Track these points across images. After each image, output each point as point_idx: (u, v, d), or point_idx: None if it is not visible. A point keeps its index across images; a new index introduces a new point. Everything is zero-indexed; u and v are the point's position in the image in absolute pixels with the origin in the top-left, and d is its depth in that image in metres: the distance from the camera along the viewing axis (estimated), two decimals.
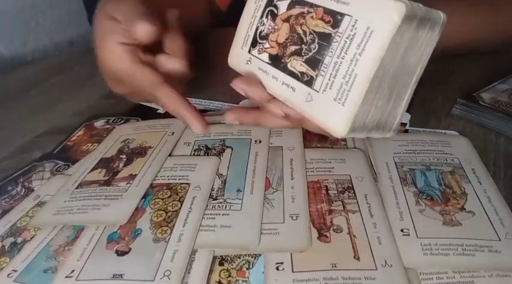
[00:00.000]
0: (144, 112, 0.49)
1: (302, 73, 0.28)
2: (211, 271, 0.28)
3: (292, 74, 0.29)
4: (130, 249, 0.30)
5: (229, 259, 0.29)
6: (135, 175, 0.37)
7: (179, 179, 0.36)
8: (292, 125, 0.33)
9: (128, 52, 0.36)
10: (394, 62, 0.25)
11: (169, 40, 0.38)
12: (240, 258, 0.29)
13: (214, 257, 0.29)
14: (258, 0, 0.32)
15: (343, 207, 0.32)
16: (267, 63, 0.31)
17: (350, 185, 0.34)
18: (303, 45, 0.28)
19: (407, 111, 0.44)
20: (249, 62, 0.32)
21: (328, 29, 0.27)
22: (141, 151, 0.40)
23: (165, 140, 0.41)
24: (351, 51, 0.25)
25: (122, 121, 0.47)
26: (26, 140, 0.45)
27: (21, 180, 0.39)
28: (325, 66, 0.27)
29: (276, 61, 0.30)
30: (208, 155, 0.39)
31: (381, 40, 0.24)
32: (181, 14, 0.54)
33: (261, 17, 0.32)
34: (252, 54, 0.32)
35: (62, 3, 0.75)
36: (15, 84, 0.60)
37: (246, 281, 0.27)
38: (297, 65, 0.28)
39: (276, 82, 0.30)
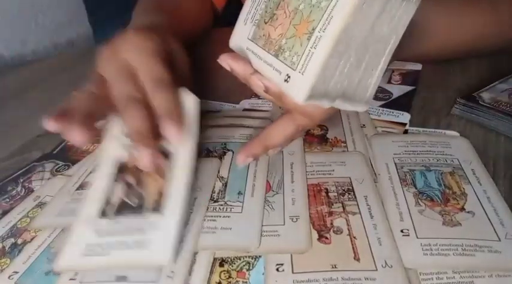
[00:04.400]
0: None
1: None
2: (211, 272, 0.28)
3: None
4: None
5: (229, 260, 0.29)
6: None
7: None
8: (273, 99, 0.34)
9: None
10: (363, 30, 0.26)
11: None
12: (240, 259, 0.29)
13: (215, 259, 0.29)
14: None
15: (343, 209, 0.32)
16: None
17: (350, 187, 0.34)
18: None
19: (407, 111, 0.44)
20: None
21: None
22: None
23: None
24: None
25: None
26: (26, 140, 0.45)
27: (21, 180, 0.39)
28: None
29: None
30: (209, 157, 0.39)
31: (345, 9, 0.24)
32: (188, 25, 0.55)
33: None
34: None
35: (62, 3, 0.75)
36: (15, 84, 0.60)
37: (246, 282, 0.27)
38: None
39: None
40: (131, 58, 0.37)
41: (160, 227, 0.30)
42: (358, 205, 0.32)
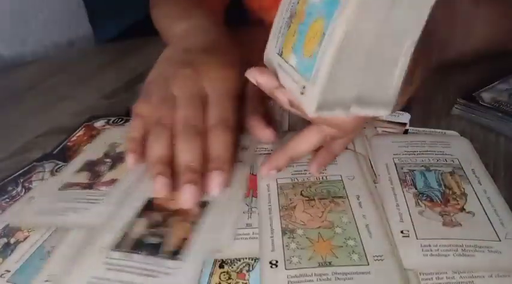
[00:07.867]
0: None
1: None
2: (211, 274, 0.28)
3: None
4: None
5: (229, 261, 0.29)
6: (117, 179, 0.37)
7: None
8: (301, 114, 0.32)
9: None
10: (373, 27, 0.23)
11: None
12: (240, 261, 0.29)
13: (215, 260, 0.29)
14: None
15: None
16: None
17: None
18: None
19: (407, 111, 0.44)
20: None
21: None
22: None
23: None
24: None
25: (122, 121, 0.46)
26: (26, 140, 0.45)
27: (21, 180, 0.39)
28: None
29: None
30: None
31: (347, 8, 0.23)
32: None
33: None
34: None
35: (62, 3, 0.75)
36: (15, 84, 0.60)
37: (245, 283, 0.27)
38: None
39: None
40: (210, 90, 0.38)
41: (176, 275, 0.28)
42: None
